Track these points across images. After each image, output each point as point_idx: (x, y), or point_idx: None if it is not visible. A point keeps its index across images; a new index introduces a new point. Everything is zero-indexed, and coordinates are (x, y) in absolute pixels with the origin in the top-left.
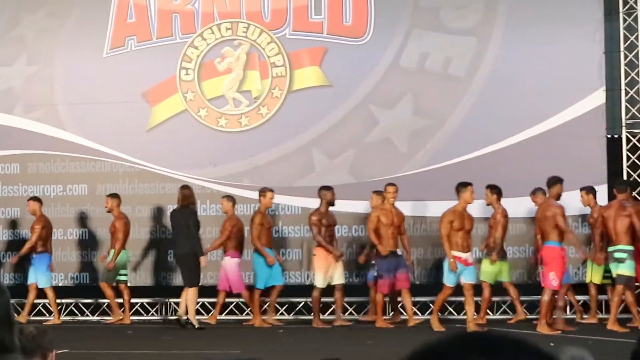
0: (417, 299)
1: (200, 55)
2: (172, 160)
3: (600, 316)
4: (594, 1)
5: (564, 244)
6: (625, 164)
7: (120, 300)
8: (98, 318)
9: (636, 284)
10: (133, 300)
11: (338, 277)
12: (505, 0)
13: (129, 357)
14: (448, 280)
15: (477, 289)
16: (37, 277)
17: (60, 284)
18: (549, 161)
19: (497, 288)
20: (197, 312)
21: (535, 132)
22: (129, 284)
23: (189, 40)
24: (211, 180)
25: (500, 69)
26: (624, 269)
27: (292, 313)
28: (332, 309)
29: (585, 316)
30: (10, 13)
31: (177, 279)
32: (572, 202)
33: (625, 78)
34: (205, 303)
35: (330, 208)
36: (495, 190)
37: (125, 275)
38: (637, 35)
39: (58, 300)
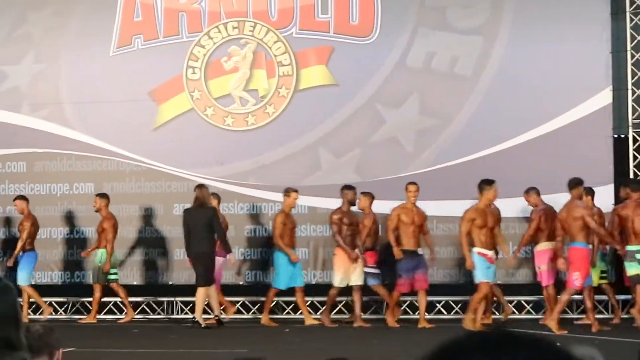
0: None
1: (207, 54)
2: (178, 159)
3: (599, 316)
4: (601, 0)
5: (597, 243)
6: (632, 163)
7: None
8: (104, 316)
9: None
10: (140, 299)
11: (356, 277)
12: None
13: (135, 355)
14: (482, 277)
15: (462, 289)
16: (19, 274)
17: (66, 282)
18: (555, 161)
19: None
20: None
21: (541, 131)
22: (121, 283)
23: (196, 39)
24: (217, 179)
25: (506, 69)
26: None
27: (298, 312)
28: (338, 308)
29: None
30: (17, 11)
31: (184, 278)
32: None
33: (632, 77)
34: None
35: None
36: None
37: (116, 274)
38: None
39: (63, 299)
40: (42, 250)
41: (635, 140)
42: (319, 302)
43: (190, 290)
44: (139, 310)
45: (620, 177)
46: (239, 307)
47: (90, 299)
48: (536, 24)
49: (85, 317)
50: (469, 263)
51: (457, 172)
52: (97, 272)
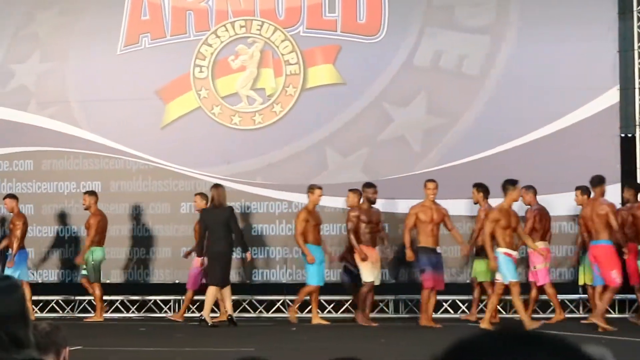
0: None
1: (214, 53)
2: (185, 157)
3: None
4: (608, 0)
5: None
6: (639, 163)
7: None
8: (111, 315)
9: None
10: (146, 298)
11: (376, 278)
12: None
13: (141, 354)
14: (510, 276)
15: (468, 288)
16: (14, 273)
17: (73, 281)
18: (562, 160)
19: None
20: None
21: (548, 131)
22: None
23: (203, 38)
24: (224, 178)
25: (513, 68)
26: None
27: (305, 311)
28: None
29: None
30: (24, 10)
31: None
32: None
33: (639, 77)
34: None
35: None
36: (482, 189)
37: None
38: None
39: (71, 297)
40: (48, 248)
41: None
42: (325, 300)
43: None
44: (145, 308)
45: (628, 177)
46: (246, 306)
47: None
48: (543, 23)
49: (91, 315)
50: (492, 264)
51: (464, 171)
52: (91, 271)
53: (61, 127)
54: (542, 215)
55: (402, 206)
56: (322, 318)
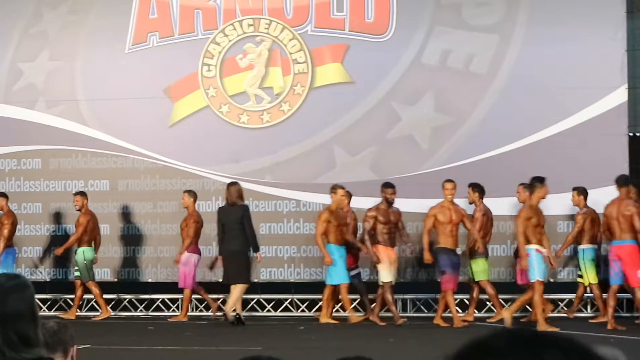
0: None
1: (222, 52)
2: (193, 156)
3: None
4: None
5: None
6: None
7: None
8: (119, 314)
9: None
10: (155, 296)
11: (395, 277)
12: None
13: (149, 353)
14: (538, 274)
15: (466, 287)
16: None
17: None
18: (570, 159)
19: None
20: (147, 308)
21: (556, 130)
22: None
23: (211, 37)
24: (233, 177)
25: (521, 67)
26: None
27: (314, 310)
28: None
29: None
30: (33, 9)
31: (200, 275)
32: (593, 200)
33: None
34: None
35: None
36: (477, 189)
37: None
38: None
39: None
40: (56, 246)
41: None
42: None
43: (203, 287)
44: (153, 307)
45: (636, 175)
46: (254, 305)
47: (105, 296)
48: (551, 22)
49: (98, 313)
50: (524, 263)
51: (472, 170)
52: (84, 271)
53: (69, 126)
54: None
55: (410, 205)
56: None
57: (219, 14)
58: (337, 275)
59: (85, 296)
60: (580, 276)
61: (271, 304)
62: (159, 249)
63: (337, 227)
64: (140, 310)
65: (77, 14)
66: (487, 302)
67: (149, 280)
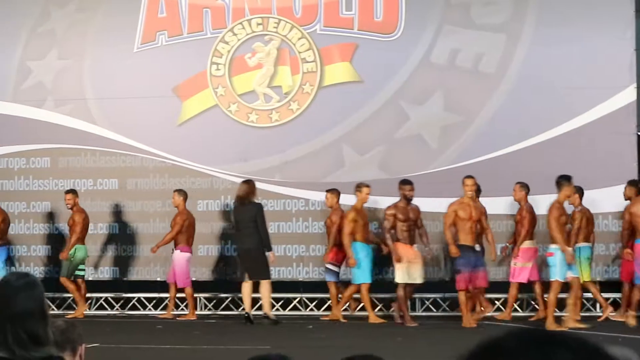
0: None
1: (231, 51)
2: (202, 155)
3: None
4: None
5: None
6: None
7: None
8: (128, 312)
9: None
10: (164, 295)
11: (418, 276)
12: None
13: (158, 351)
14: (559, 275)
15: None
16: None
17: (90, 278)
18: (579, 158)
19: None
20: (155, 307)
21: (565, 129)
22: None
23: (220, 36)
24: (241, 176)
25: (530, 66)
26: None
27: (322, 309)
28: (362, 304)
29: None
30: (41, 7)
31: (207, 274)
32: (602, 199)
33: None
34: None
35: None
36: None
37: (83, 270)
38: None
39: (88, 295)
40: (65, 245)
41: None
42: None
43: (210, 285)
44: (162, 306)
45: None
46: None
47: (113, 295)
48: (560, 21)
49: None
50: (569, 258)
51: (480, 169)
52: (65, 266)
53: (78, 125)
54: (532, 214)
55: (419, 203)
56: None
57: (227, 12)
58: (362, 274)
59: (93, 295)
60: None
61: (280, 303)
62: (168, 248)
63: (364, 225)
64: (149, 309)
65: (85, 12)
66: (496, 302)
67: (158, 279)
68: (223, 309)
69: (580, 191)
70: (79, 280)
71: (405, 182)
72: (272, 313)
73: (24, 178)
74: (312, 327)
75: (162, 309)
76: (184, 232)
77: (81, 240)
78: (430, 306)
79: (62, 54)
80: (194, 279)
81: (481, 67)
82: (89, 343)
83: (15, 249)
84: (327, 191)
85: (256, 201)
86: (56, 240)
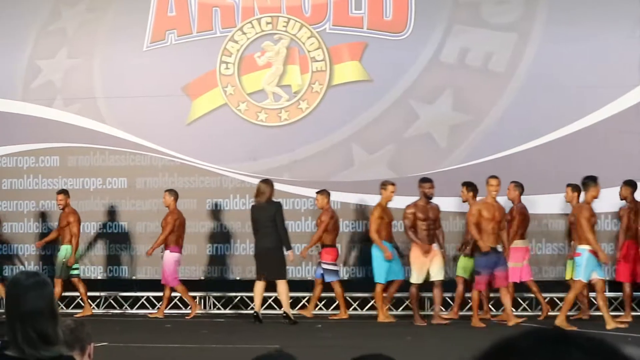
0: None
1: (240, 50)
2: (211, 154)
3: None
4: None
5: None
6: None
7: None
8: (136, 311)
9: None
10: (172, 294)
11: (436, 273)
12: None
13: (166, 350)
14: (583, 275)
15: (452, 285)
16: None
17: (99, 277)
18: (588, 157)
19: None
20: (143, 306)
21: (574, 128)
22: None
23: (229, 34)
24: (251, 175)
25: (540, 65)
26: None
27: (331, 308)
28: (370, 303)
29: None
30: (51, 6)
31: (216, 273)
32: (610, 198)
33: None
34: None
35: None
36: (471, 188)
37: (77, 269)
38: None
39: (97, 294)
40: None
41: None
42: (352, 297)
43: (220, 284)
44: (171, 305)
45: None
46: (272, 303)
47: (124, 294)
48: (569, 21)
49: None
50: (603, 257)
51: (490, 168)
52: (62, 267)
53: (87, 124)
54: (524, 213)
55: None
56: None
57: (237, 11)
58: (379, 273)
59: (102, 294)
60: None
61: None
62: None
63: (388, 223)
64: (157, 308)
65: (96, 11)
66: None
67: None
68: (232, 308)
69: (578, 189)
70: (75, 279)
71: (425, 180)
72: (291, 313)
73: (33, 177)
74: (321, 326)
75: (170, 308)
76: (175, 232)
77: (69, 241)
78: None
79: (72, 53)
80: (202, 277)
81: (491, 66)
82: (98, 342)
83: (24, 247)
84: (317, 192)
85: (275, 200)
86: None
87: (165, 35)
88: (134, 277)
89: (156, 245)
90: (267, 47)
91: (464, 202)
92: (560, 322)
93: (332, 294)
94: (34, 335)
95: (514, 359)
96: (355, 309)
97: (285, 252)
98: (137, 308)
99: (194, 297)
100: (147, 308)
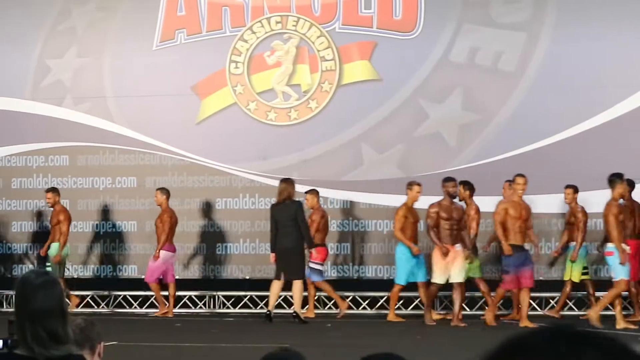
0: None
1: (250, 49)
2: (221, 153)
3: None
4: None
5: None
6: None
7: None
8: (145, 310)
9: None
10: (181, 293)
11: (456, 274)
12: None
13: (176, 349)
14: (621, 273)
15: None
16: None
17: (108, 276)
18: (598, 157)
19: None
20: (152, 306)
21: (585, 127)
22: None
23: (239, 34)
24: (260, 174)
25: (549, 64)
26: None
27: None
28: (367, 302)
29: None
30: (61, 5)
31: (226, 272)
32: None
33: None
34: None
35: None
36: (468, 187)
37: (67, 269)
38: None
39: (105, 293)
40: (84, 243)
41: None
42: (360, 297)
43: (230, 284)
44: (180, 304)
45: None
46: (281, 302)
47: (133, 293)
48: (579, 19)
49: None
50: (624, 257)
51: (499, 167)
52: (53, 267)
53: (97, 123)
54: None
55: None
56: (358, 314)
57: (246, 11)
58: (399, 274)
59: (112, 292)
60: (586, 273)
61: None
62: (186, 246)
63: (414, 223)
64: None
65: (105, 10)
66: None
67: (176, 277)
68: (241, 307)
69: (577, 191)
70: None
71: (448, 180)
72: (301, 312)
73: (43, 176)
74: (331, 326)
75: (180, 308)
76: (168, 231)
77: (58, 238)
78: (449, 305)
79: (82, 52)
80: (212, 277)
81: (500, 65)
82: (108, 341)
83: (34, 246)
84: (307, 192)
85: (296, 199)
86: (76, 239)
87: (174, 35)
88: (143, 277)
89: (160, 246)
90: (277, 46)
91: (460, 200)
92: (595, 321)
93: (341, 293)
94: (44, 334)
95: (529, 355)
96: (364, 308)
97: (307, 251)
98: (146, 307)
99: (203, 297)
100: (157, 307)
